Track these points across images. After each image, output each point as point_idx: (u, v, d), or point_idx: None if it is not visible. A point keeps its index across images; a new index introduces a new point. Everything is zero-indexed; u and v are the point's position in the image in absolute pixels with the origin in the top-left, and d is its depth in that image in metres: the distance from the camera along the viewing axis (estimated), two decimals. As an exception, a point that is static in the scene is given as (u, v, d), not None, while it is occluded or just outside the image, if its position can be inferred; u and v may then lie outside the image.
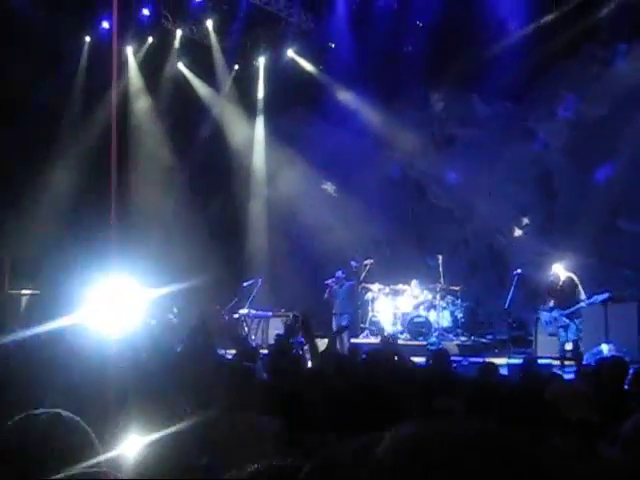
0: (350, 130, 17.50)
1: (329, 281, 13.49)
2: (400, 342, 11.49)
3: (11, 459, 1.76)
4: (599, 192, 14.85)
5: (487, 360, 7.39)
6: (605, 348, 10.64)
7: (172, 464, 2.24)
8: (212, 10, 17.30)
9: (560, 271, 10.79)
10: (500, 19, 15.26)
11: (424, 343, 13.20)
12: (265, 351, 9.56)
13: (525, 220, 16.33)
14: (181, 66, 18.58)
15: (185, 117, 18.00)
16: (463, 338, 14.33)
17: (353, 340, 12.93)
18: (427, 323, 14.20)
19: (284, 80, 17.81)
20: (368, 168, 18.10)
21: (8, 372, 4.69)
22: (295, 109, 18.74)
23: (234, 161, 18.64)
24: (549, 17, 15.11)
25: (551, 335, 10.82)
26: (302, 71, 17.95)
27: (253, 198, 18.70)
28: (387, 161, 18.12)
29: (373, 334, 14.55)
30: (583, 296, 10.45)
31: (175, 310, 15.75)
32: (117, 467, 2.07)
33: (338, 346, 10.60)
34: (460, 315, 14.78)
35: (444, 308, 14.72)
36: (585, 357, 10.25)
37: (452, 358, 7.67)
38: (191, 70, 18.61)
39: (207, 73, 18.39)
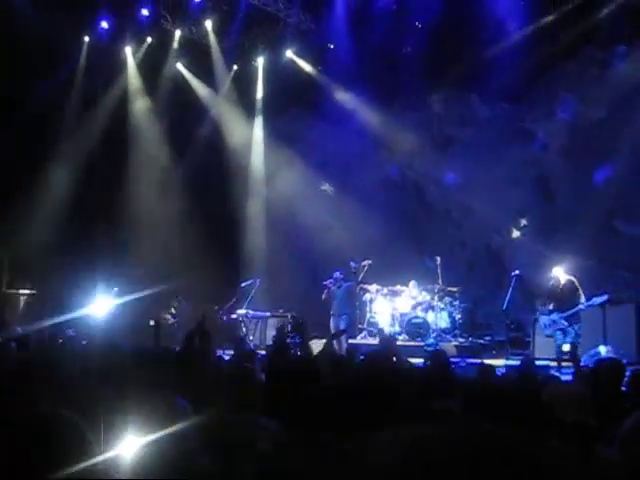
0: (349, 131, 17.51)
1: (327, 282, 13.46)
2: (398, 343, 11.48)
3: (10, 459, 1.76)
4: (597, 194, 14.85)
5: (484, 362, 7.39)
6: (603, 350, 10.65)
7: (170, 464, 2.24)
8: (211, 10, 17.29)
9: (560, 274, 10.77)
10: (499, 20, 15.25)
11: (422, 344, 13.21)
12: (263, 352, 9.58)
13: (523, 221, 16.33)
14: (180, 66, 18.58)
15: (184, 117, 17.99)
16: (461, 339, 14.33)
17: (351, 341, 12.91)
18: (425, 324, 14.20)
19: (283, 80, 17.81)
20: (367, 169, 18.11)
21: (7, 371, 4.68)
22: (294, 109, 18.74)
23: (233, 161, 18.63)
24: (548, 18, 15.12)
25: (549, 337, 10.81)
26: (301, 72, 17.95)
27: (251, 198, 18.69)
28: (386, 162, 18.13)
29: (371, 335, 14.55)
30: (583, 299, 10.44)
31: (173, 310, 15.78)
32: (115, 467, 2.08)
33: (336, 347, 10.60)
34: (458, 316, 14.78)
35: (442, 309, 14.72)
36: (583, 359, 10.26)
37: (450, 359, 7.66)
38: (190, 70, 18.61)
39: (206, 73, 18.39)
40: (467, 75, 15.99)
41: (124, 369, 4.49)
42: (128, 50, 18.12)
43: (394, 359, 6.75)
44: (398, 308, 14.81)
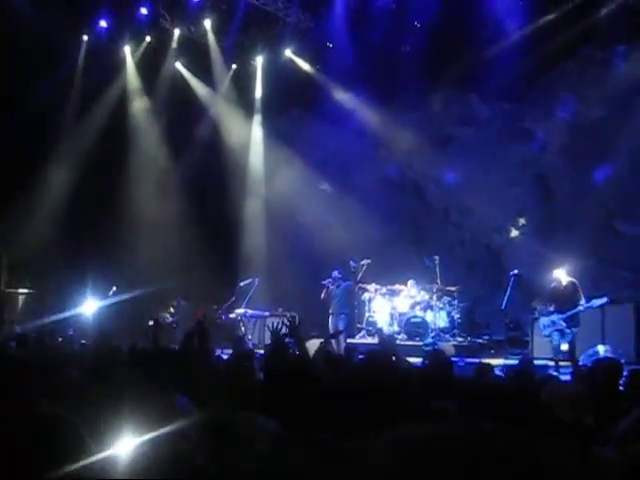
0: (348, 130, 17.51)
1: (326, 281, 13.46)
2: (397, 342, 11.47)
3: (7, 458, 1.76)
4: (597, 193, 14.85)
5: (483, 361, 7.38)
6: (601, 349, 10.65)
7: (167, 464, 2.23)
8: (210, 10, 17.30)
9: (562, 276, 10.75)
10: (499, 20, 15.26)
11: (420, 343, 13.20)
12: (262, 351, 9.57)
13: (522, 221, 16.34)
14: (179, 65, 18.58)
15: (183, 116, 18.00)
16: (460, 339, 14.33)
17: (350, 340, 12.91)
18: (424, 323, 14.20)
19: (282, 80, 17.81)
20: (366, 168, 18.10)
21: (5, 370, 4.68)
22: (293, 109, 18.74)
23: (231, 160, 18.63)
24: (548, 18, 15.12)
25: (547, 337, 10.82)
26: (300, 71, 17.96)
27: (250, 198, 18.67)
28: (385, 161, 18.12)
29: (370, 334, 14.54)
30: (583, 301, 10.43)
31: (172, 309, 15.79)
32: (112, 466, 2.07)
33: (335, 347, 10.59)
34: (457, 316, 14.78)
35: (441, 308, 14.73)
36: (581, 358, 10.26)
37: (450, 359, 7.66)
38: (189, 69, 18.61)
39: (205, 72, 18.39)
40: (466, 75, 15.99)
41: (122, 368, 4.49)
42: (127, 49, 18.13)
43: (393, 358, 6.75)
44: (397, 307, 14.80)
